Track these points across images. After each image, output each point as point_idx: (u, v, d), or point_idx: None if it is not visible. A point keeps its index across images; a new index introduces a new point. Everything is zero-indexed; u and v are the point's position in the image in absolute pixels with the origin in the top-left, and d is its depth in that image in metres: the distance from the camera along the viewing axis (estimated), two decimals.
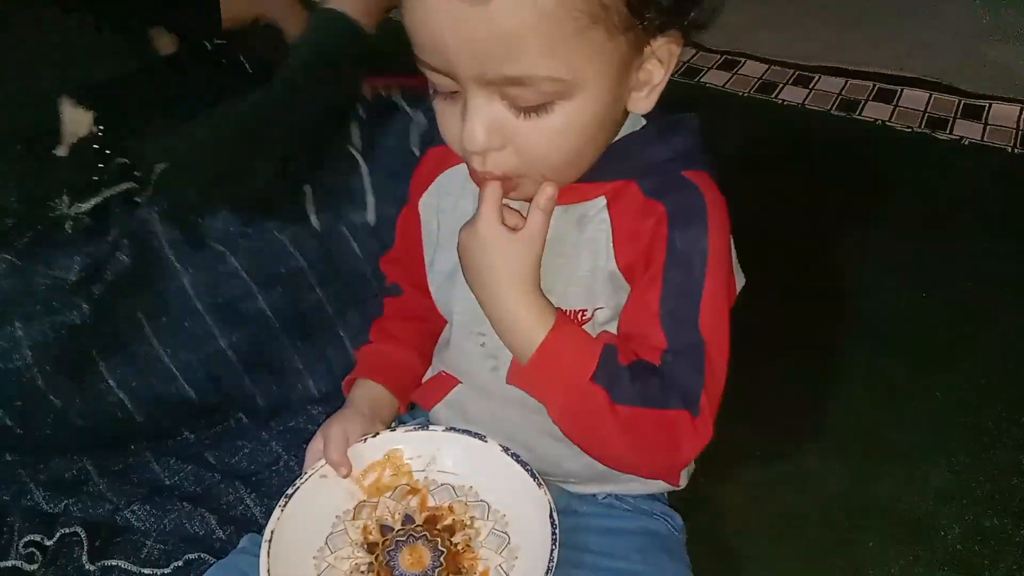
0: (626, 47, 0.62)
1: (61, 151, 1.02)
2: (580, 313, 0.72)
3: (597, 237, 0.71)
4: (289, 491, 0.76)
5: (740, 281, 0.72)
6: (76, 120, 1.02)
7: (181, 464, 1.01)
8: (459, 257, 0.72)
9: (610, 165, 0.70)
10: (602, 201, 0.71)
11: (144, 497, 0.98)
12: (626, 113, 0.69)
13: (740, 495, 1.10)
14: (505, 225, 0.68)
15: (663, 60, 0.65)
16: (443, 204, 0.80)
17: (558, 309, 0.70)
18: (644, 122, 0.72)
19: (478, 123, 0.62)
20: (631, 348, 0.69)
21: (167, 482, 1.00)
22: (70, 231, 1.02)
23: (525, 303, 0.69)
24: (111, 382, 0.98)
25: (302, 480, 0.77)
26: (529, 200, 0.69)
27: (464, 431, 0.79)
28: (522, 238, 0.68)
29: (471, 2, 0.56)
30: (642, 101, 0.67)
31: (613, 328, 0.72)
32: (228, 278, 1.01)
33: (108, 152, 1.05)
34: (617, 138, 0.70)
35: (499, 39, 0.58)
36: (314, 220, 1.06)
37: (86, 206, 1.03)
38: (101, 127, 1.06)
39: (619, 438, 0.68)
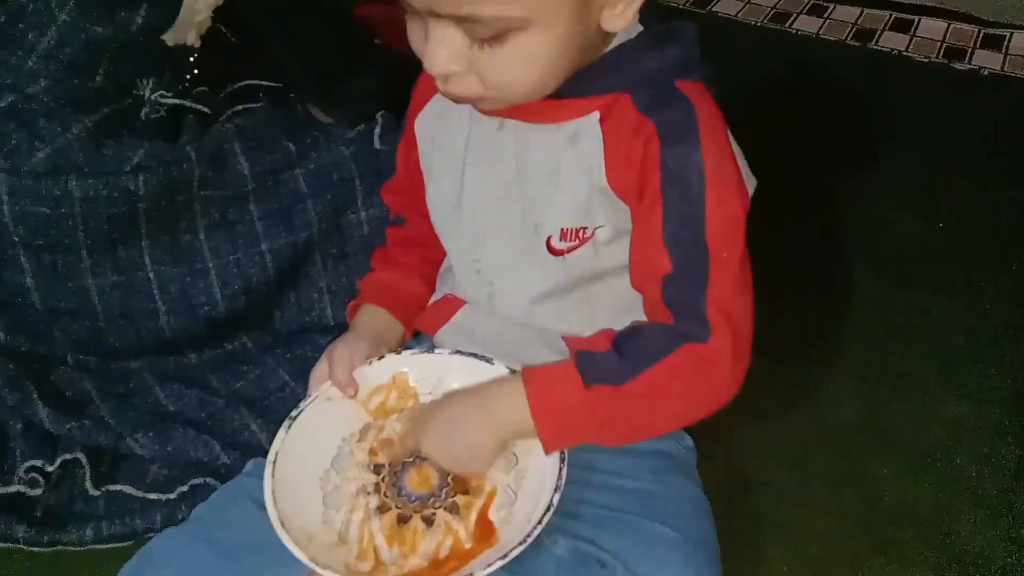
0: None
1: (168, 37, 1.00)
2: (580, 231, 0.71)
3: (591, 154, 0.69)
4: (293, 413, 0.75)
5: (751, 184, 0.70)
6: (198, 14, 1.01)
7: (184, 389, 1.00)
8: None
9: (602, 78, 0.68)
10: (595, 116, 0.69)
11: (148, 425, 0.97)
12: (602, 31, 0.66)
13: (753, 424, 1.08)
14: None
15: None
16: (437, 127, 0.79)
17: (523, 370, 0.69)
18: (640, 29, 0.69)
19: (438, 49, 0.62)
20: (633, 286, 0.69)
21: (170, 408, 0.99)
22: (144, 119, 1.00)
23: (498, 408, 0.69)
24: (148, 265, 0.97)
25: (306, 403, 0.76)
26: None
27: (471, 354, 0.77)
28: (425, 420, 0.71)
29: None
30: (616, 18, 0.64)
31: (616, 250, 0.71)
32: (289, 181, 1.01)
33: (197, 71, 1.05)
34: (609, 48, 0.68)
35: None
36: (377, 142, 1.05)
37: (168, 101, 1.02)
38: (201, 51, 1.05)
39: (650, 412, 0.68)
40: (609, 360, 0.67)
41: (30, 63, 0.91)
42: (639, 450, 0.76)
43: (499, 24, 0.60)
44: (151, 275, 0.97)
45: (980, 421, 1.09)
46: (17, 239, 0.91)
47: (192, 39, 1.03)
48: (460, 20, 0.60)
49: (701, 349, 0.65)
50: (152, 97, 1.00)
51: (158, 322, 0.98)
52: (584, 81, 0.68)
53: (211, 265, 0.99)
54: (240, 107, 1.07)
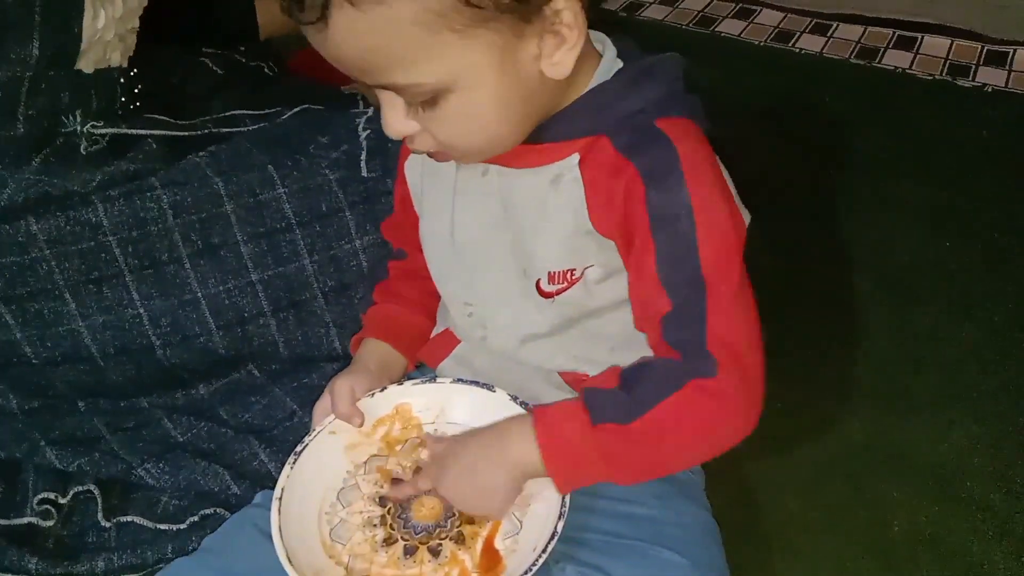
0: (494, 35, 0.60)
1: (84, 64, 0.94)
2: (569, 273, 0.70)
3: (573, 197, 0.68)
4: (298, 448, 0.75)
5: (746, 216, 0.69)
6: (106, 33, 0.95)
7: (194, 421, 1.00)
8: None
9: (577, 121, 0.68)
10: (575, 159, 0.68)
11: (157, 455, 0.98)
12: (546, 79, 0.65)
13: (761, 446, 1.07)
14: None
15: (569, 22, 0.62)
16: (426, 172, 0.79)
17: (524, 414, 0.71)
18: (620, 65, 0.69)
19: (389, 114, 0.65)
20: (636, 327, 0.69)
21: (180, 439, 0.99)
22: (85, 153, 0.97)
23: (510, 458, 0.68)
24: (136, 300, 0.94)
25: (310, 437, 0.76)
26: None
27: (472, 382, 0.78)
28: (447, 450, 0.72)
29: (315, 33, 0.59)
30: (556, 67, 0.64)
31: (610, 288, 0.71)
32: (271, 203, 0.98)
33: (137, 90, 1.02)
34: (587, 88, 0.68)
35: (351, 61, 0.61)
36: (364, 168, 1.03)
37: (103, 130, 0.98)
38: (135, 69, 1.03)
39: (662, 447, 0.66)
40: (616, 397, 0.66)
41: None
42: None
43: (420, 90, 0.61)
44: (141, 310, 0.95)
45: (991, 442, 1.08)
46: None
47: (116, 60, 0.99)
48: (385, 88, 0.63)
49: (709, 384, 0.63)
50: (84, 130, 0.97)
51: (155, 355, 0.97)
52: (561, 124, 0.68)
53: (200, 295, 0.96)
54: (223, 130, 1.06)
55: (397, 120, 0.65)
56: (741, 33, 2.01)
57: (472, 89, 0.62)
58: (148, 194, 0.93)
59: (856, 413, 1.13)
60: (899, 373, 1.18)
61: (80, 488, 0.96)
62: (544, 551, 0.65)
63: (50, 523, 0.94)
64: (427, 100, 0.62)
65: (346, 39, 0.59)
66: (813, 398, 1.15)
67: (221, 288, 0.97)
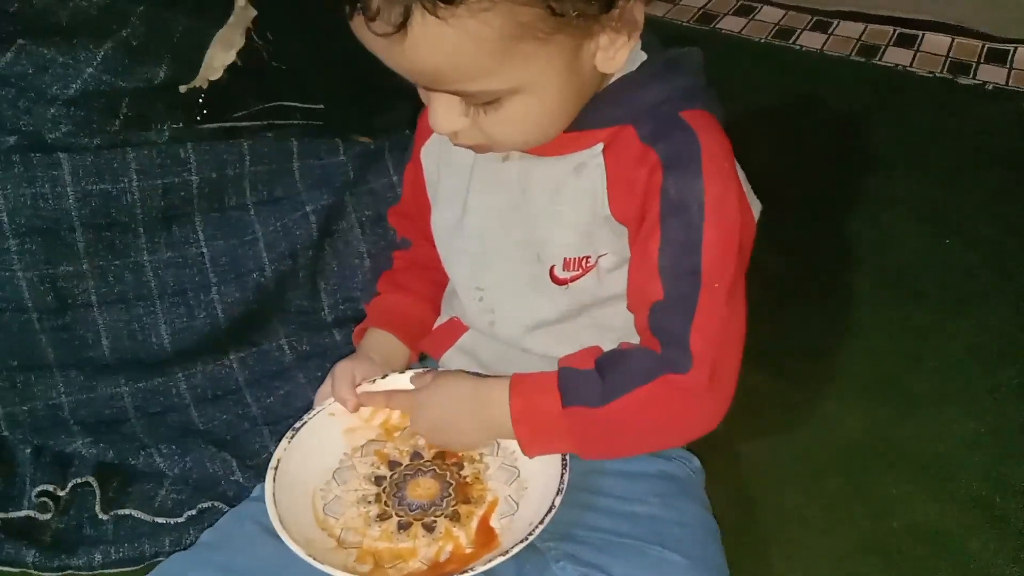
0: (568, 38, 0.61)
1: (182, 86, 1.04)
2: (583, 260, 0.71)
3: (594, 184, 0.69)
4: (296, 425, 0.76)
5: (756, 208, 0.70)
6: (214, 72, 1.06)
7: (217, 412, 1.04)
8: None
9: (605, 110, 0.68)
10: (599, 148, 0.69)
11: (172, 439, 1.00)
12: (596, 72, 0.66)
13: (760, 442, 1.08)
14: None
15: (628, 24, 0.63)
16: (443, 155, 0.79)
17: (504, 377, 0.71)
18: (644, 58, 0.69)
19: (440, 112, 0.64)
20: (629, 310, 0.70)
21: (200, 427, 1.02)
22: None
23: (485, 417, 0.71)
24: (201, 238, 1.02)
25: (310, 415, 0.77)
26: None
27: (473, 373, 0.78)
28: (419, 416, 0.75)
29: (387, 43, 0.57)
30: (609, 61, 0.65)
31: (620, 277, 0.71)
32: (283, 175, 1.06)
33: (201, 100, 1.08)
34: (612, 80, 0.69)
35: (424, 71, 0.60)
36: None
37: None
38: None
39: (628, 435, 0.70)
40: (590, 382, 0.68)
41: (52, 111, 0.93)
42: (647, 474, 0.76)
43: (490, 95, 0.61)
44: (204, 249, 1.02)
45: (989, 438, 1.08)
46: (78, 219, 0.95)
47: (202, 83, 1.07)
48: (452, 92, 0.62)
49: (680, 380, 0.65)
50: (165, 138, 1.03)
51: (210, 295, 1.03)
52: (588, 114, 0.68)
53: (260, 234, 1.04)
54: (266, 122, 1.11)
55: (448, 120, 0.64)
56: (741, 30, 2.00)
57: (539, 91, 0.62)
58: (231, 142, 1.02)
59: (854, 410, 1.12)
60: (898, 370, 1.18)
61: (79, 480, 0.96)
62: (542, 522, 0.65)
63: (48, 516, 0.94)
64: (490, 102, 0.62)
65: (423, 51, 0.57)
66: (811, 395, 1.15)
67: (278, 224, 1.05)
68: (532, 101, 0.62)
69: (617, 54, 0.64)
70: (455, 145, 0.69)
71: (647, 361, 0.67)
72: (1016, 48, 1.85)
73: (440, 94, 0.63)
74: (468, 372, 0.76)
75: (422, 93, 0.66)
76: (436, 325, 0.86)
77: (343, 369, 0.79)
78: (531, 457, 0.71)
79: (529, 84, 0.61)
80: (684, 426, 0.70)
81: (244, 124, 1.07)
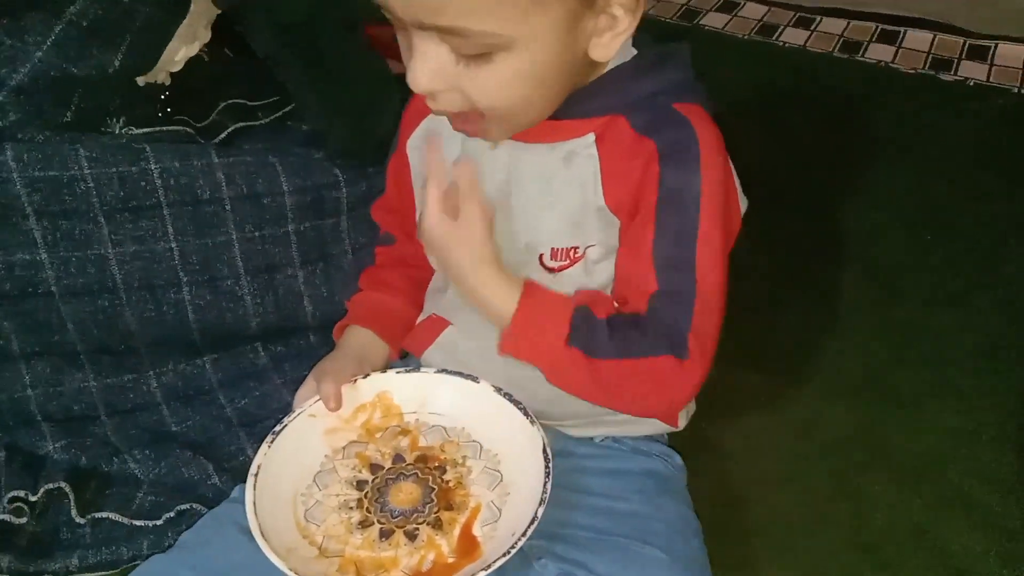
0: (574, 1, 0.60)
1: (140, 78, 1.00)
2: (572, 251, 0.71)
3: (585, 174, 0.69)
4: (277, 428, 0.75)
5: (743, 204, 0.71)
6: (174, 65, 1.03)
7: (189, 412, 1.01)
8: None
9: (597, 99, 0.68)
10: (591, 138, 0.69)
11: (146, 443, 0.98)
12: (588, 58, 0.66)
13: (743, 439, 1.08)
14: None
15: (629, 6, 0.63)
16: (429, 143, 0.78)
17: (526, 280, 0.70)
18: (635, 52, 0.70)
19: (420, 66, 0.62)
20: (614, 298, 0.70)
21: (173, 428, 1.00)
22: None
23: (489, 283, 0.69)
24: (171, 232, 0.95)
25: (290, 418, 0.76)
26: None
27: (456, 373, 0.78)
28: (464, 225, 0.69)
29: None
30: (603, 48, 0.65)
31: (607, 267, 0.71)
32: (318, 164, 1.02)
33: (164, 96, 1.05)
34: (605, 71, 0.69)
35: None
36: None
37: (139, 131, 1.00)
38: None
39: (605, 391, 0.69)
40: (600, 333, 0.67)
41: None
42: (629, 471, 0.76)
43: (485, 40, 0.59)
44: (173, 244, 0.95)
45: (973, 435, 1.08)
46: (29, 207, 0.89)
47: (163, 78, 1.04)
48: (445, 33, 0.59)
49: (677, 365, 0.66)
50: (122, 132, 0.99)
51: (180, 293, 0.97)
52: (579, 103, 0.68)
53: (235, 238, 0.98)
54: (240, 124, 1.08)
55: (427, 73, 0.62)
56: (725, 26, 2.00)
57: (529, 51, 0.61)
58: (193, 145, 0.97)
59: (839, 407, 1.12)
60: (883, 366, 1.18)
61: (51, 485, 0.94)
62: (524, 535, 0.64)
63: (23, 520, 0.93)
64: (480, 54, 0.60)
65: None
66: (796, 392, 1.15)
67: (256, 234, 0.98)
68: (523, 61, 0.61)
69: (612, 41, 0.64)
70: (434, 113, 0.68)
71: (656, 338, 0.67)
72: (997, 44, 1.86)
73: (427, 43, 0.61)
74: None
75: (404, 47, 0.64)
76: (417, 322, 0.85)
77: (324, 369, 0.78)
78: (500, 354, 0.70)
79: (525, 40, 0.60)
80: (659, 403, 0.72)
81: (205, 124, 1.05)
